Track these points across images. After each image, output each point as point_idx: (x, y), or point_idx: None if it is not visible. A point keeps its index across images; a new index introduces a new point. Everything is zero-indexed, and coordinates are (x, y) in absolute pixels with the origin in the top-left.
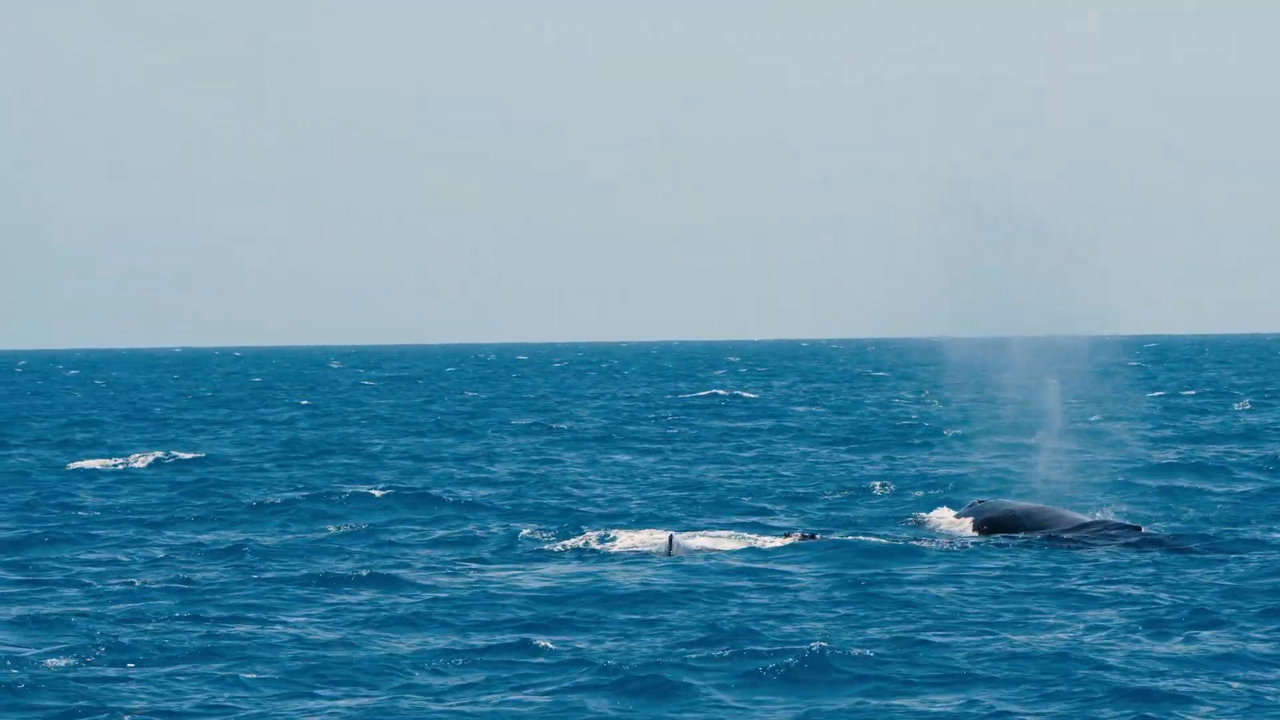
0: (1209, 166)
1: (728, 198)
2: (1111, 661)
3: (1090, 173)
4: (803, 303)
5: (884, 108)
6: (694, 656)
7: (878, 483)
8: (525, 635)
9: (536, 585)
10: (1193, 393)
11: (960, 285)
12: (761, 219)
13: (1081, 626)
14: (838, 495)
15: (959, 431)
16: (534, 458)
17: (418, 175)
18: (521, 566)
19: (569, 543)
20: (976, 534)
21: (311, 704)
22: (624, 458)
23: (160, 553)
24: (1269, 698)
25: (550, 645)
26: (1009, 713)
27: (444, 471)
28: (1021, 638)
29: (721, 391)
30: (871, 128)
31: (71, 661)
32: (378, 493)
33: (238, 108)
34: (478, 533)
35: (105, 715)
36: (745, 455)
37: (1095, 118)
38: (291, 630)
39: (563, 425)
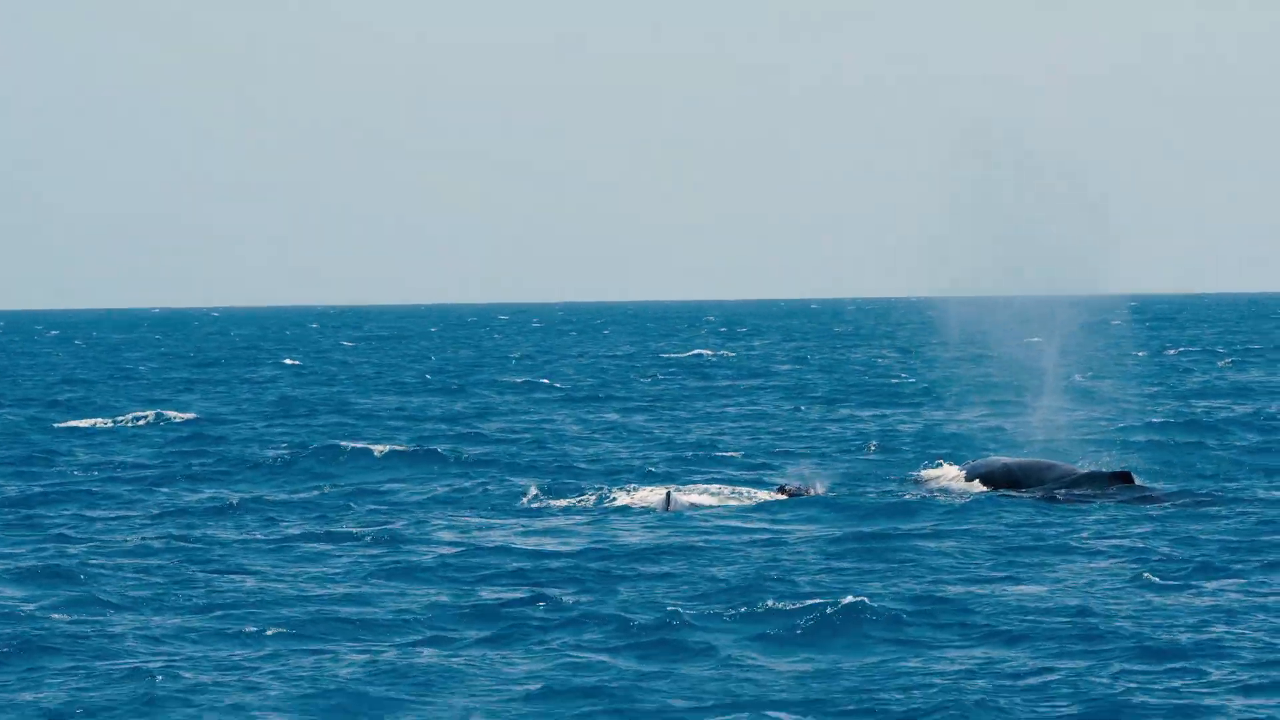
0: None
1: (720, 183)
2: (1124, 615)
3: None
4: (782, 262)
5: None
6: (705, 613)
7: (870, 441)
8: (532, 591)
9: (539, 542)
10: (1175, 351)
11: (959, 241)
12: (748, 185)
13: (1090, 580)
14: (831, 453)
15: (950, 390)
16: (525, 416)
17: (396, 133)
18: (523, 523)
19: (567, 500)
20: (975, 490)
21: (323, 658)
22: (614, 416)
23: (161, 510)
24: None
25: (559, 601)
26: (1030, 669)
27: (437, 430)
28: (1032, 591)
29: (707, 351)
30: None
31: (78, 616)
32: (377, 450)
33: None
34: (477, 490)
35: (113, 669)
36: (734, 413)
37: (1095, 118)
38: (298, 585)
39: (552, 384)
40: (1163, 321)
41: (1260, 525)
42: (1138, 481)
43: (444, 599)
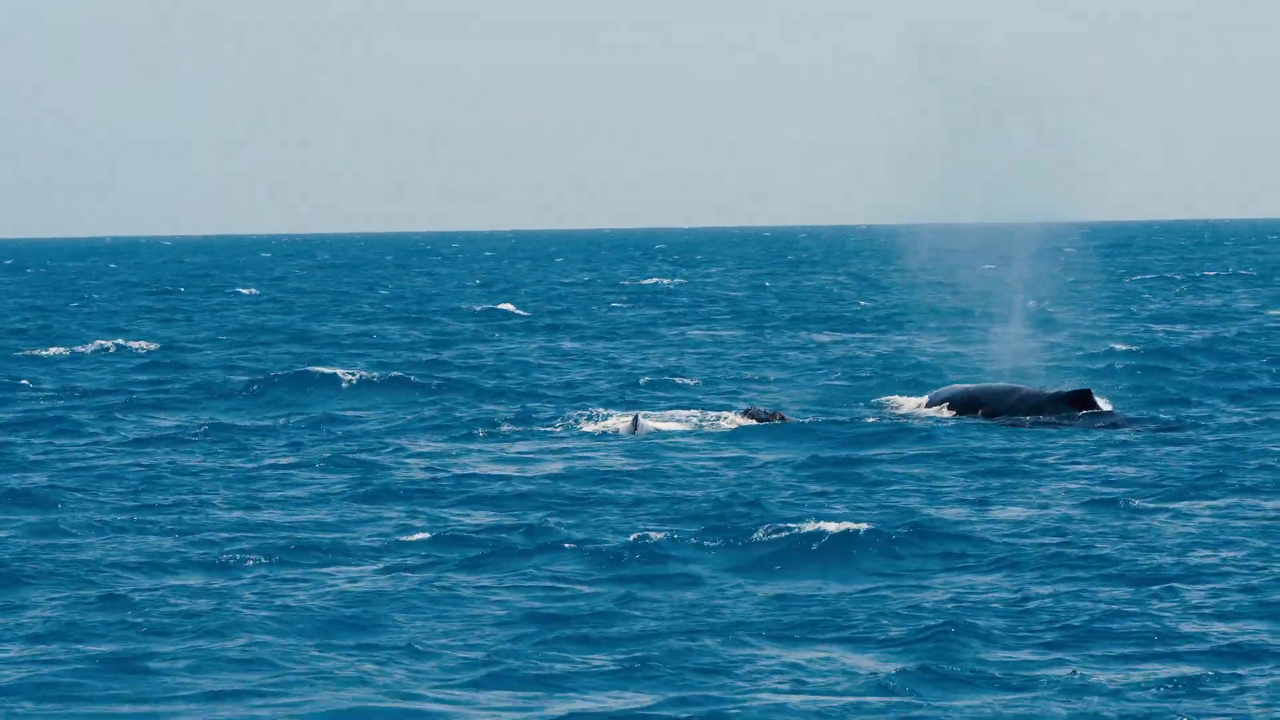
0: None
1: (669, 110)
2: (1101, 539)
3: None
4: (733, 190)
5: None
6: (681, 538)
7: (834, 367)
8: (507, 517)
9: (510, 468)
10: (1133, 279)
11: (917, 168)
12: (697, 111)
13: (1064, 505)
14: (795, 379)
15: (911, 317)
16: (488, 343)
17: (342, 64)
18: (493, 449)
19: (536, 426)
20: (940, 415)
21: (300, 584)
22: (576, 343)
23: (130, 439)
24: (1260, 568)
25: (534, 526)
26: (1012, 594)
27: (401, 357)
28: (1008, 515)
29: (664, 280)
30: None
31: (51, 542)
32: (343, 377)
33: None
34: (445, 417)
35: (87, 597)
36: (696, 339)
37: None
38: (271, 512)
39: (513, 311)
40: (1117, 249)
41: (1227, 450)
42: (1097, 400)
43: (418, 525)
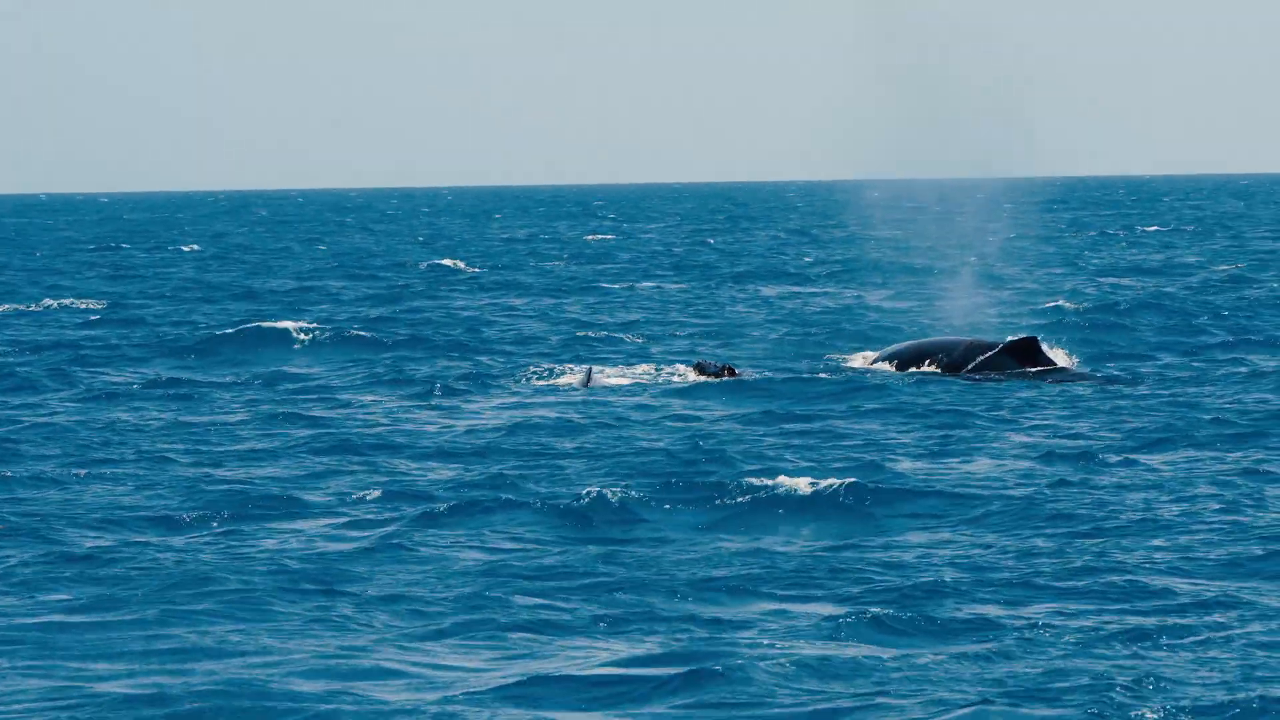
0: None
1: (603, 64)
2: (1066, 489)
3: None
4: (671, 145)
5: None
6: (641, 493)
7: (782, 323)
8: (466, 472)
9: (466, 423)
10: (1079, 234)
11: (863, 123)
12: (634, 66)
13: (1025, 457)
14: (745, 333)
15: (858, 272)
16: (435, 299)
17: (268, 18)
18: (449, 403)
19: (489, 380)
20: (893, 371)
21: (261, 539)
22: (523, 299)
23: (83, 394)
24: (1220, 522)
25: (495, 480)
26: (983, 548)
27: (349, 314)
28: (969, 468)
29: (606, 236)
30: None
31: (14, 496)
32: (295, 333)
33: None
34: (398, 373)
35: (48, 552)
36: (644, 294)
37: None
38: (229, 468)
39: (458, 267)
40: (1058, 204)
41: (1177, 404)
42: (1050, 353)
43: (378, 481)
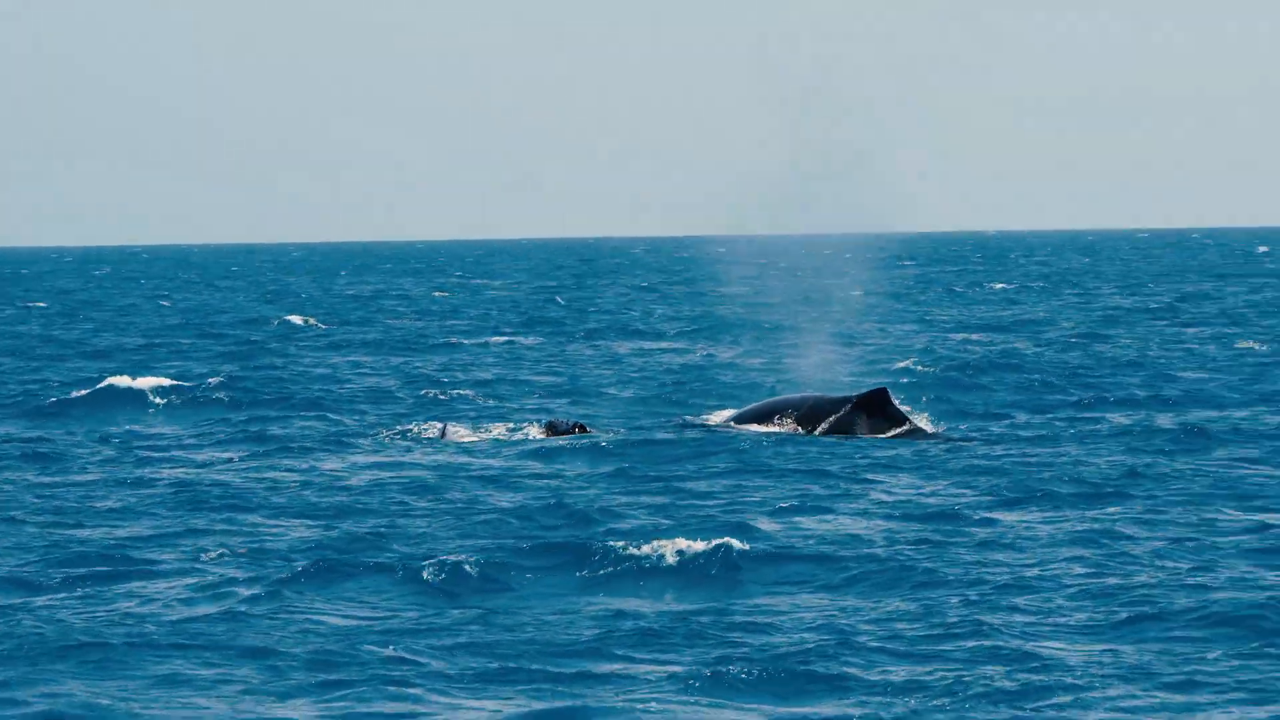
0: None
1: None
2: (924, 546)
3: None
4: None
5: None
6: (502, 553)
7: (636, 381)
8: (329, 532)
9: (326, 481)
10: (932, 291)
11: (733, 180)
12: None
13: (889, 516)
14: (599, 392)
15: (715, 330)
16: (287, 355)
17: (61, 73)
18: (307, 462)
19: (345, 439)
20: (751, 429)
21: (121, 597)
22: (372, 357)
23: None
24: (1080, 578)
25: (358, 540)
26: (842, 609)
27: (206, 371)
28: (832, 528)
29: (452, 294)
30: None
31: None
32: (147, 391)
33: None
34: (255, 432)
35: None
36: (494, 351)
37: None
38: (91, 528)
39: (307, 323)
40: (905, 260)
41: (1033, 465)
42: (905, 410)
43: (236, 540)
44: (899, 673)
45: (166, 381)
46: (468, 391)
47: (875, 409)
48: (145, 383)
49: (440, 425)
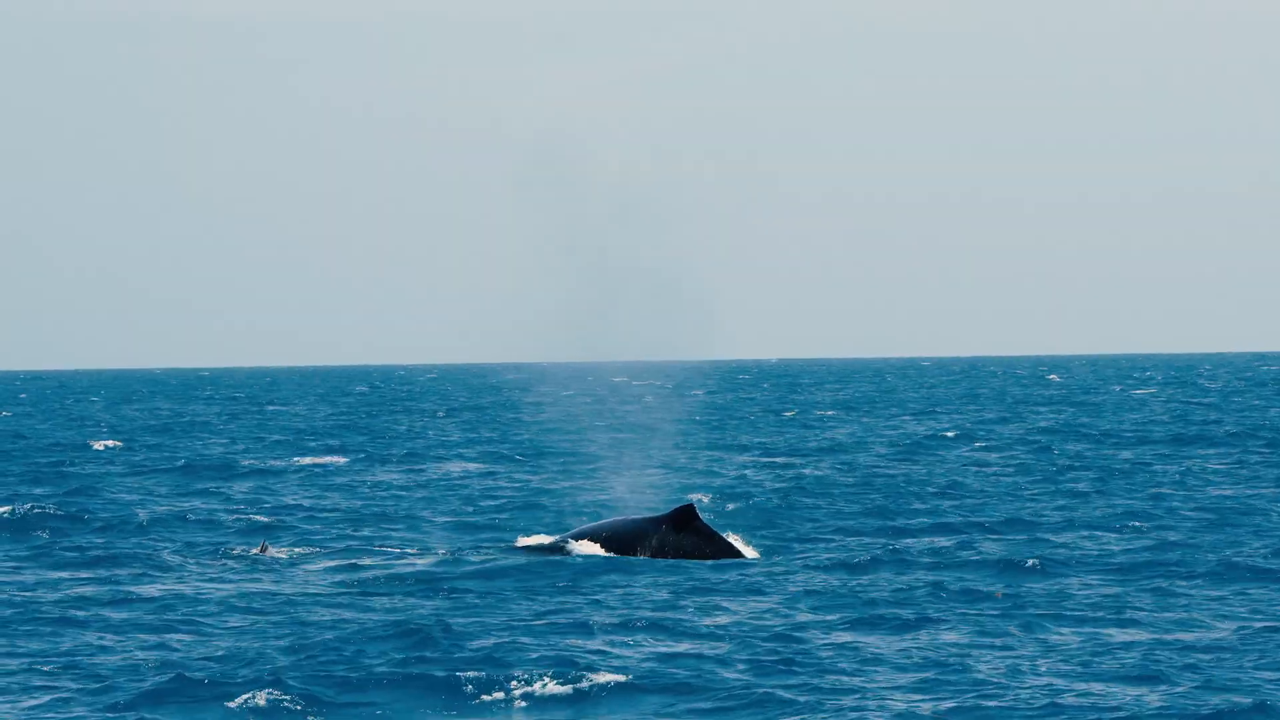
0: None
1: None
2: (768, 668)
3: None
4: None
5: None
6: (350, 671)
7: (441, 502)
8: (189, 643)
9: (165, 594)
10: (740, 416)
11: (522, 306)
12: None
13: (723, 633)
14: (413, 513)
15: (521, 455)
16: (101, 482)
17: None
18: (123, 590)
19: (179, 557)
20: (582, 551)
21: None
22: (185, 479)
23: None
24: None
25: (200, 653)
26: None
27: (13, 492)
28: (675, 650)
29: (226, 421)
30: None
31: None
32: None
33: None
34: (68, 556)
35: None
36: (308, 473)
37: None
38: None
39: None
40: (696, 390)
41: (844, 588)
42: (700, 517)
43: (79, 659)
44: None
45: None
46: (283, 515)
47: (681, 521)
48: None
49: (262, 542)
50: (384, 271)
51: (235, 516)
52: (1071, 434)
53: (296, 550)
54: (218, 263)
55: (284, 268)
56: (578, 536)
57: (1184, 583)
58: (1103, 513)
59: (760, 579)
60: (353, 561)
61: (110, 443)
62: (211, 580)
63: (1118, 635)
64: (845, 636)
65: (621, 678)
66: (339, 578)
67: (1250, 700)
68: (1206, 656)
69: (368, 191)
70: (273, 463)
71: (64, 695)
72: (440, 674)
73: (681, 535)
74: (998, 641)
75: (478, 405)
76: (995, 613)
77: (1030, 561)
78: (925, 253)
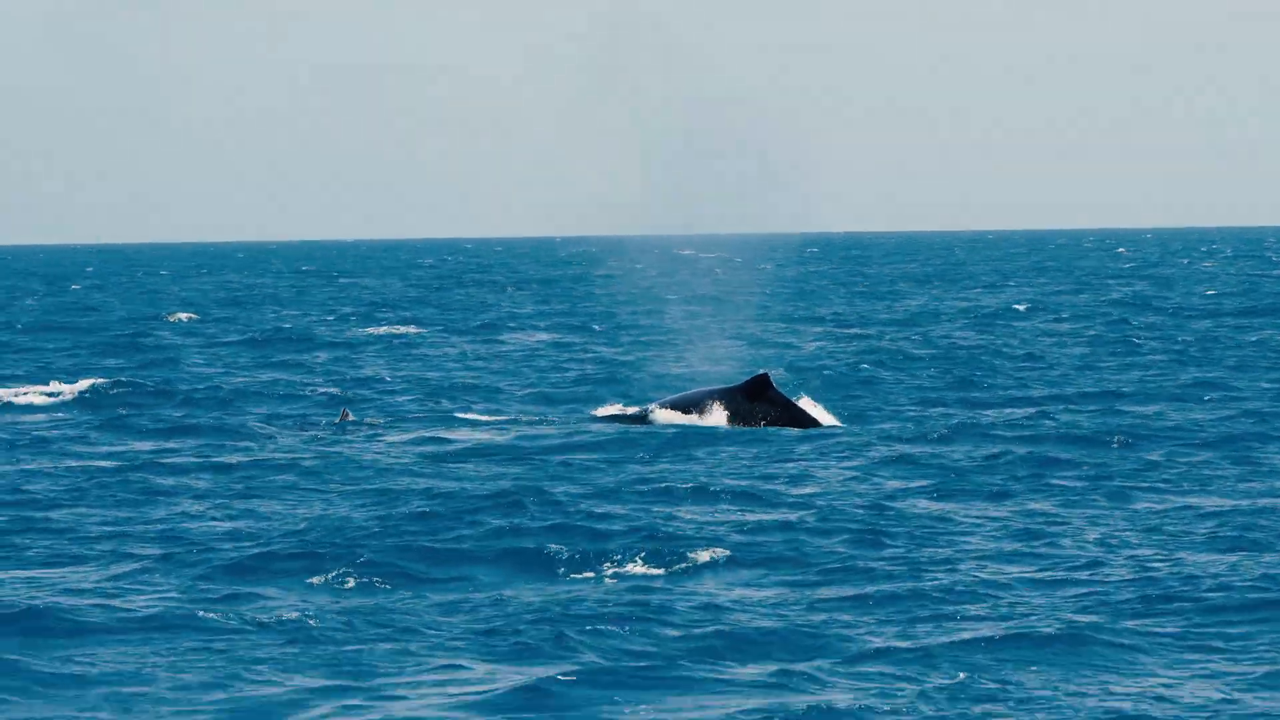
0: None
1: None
2: (845, 535)
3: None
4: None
5: None
6: (466, 537)
7: (516, 375)
8: (216, 506)
9: (246, 463)
10: (810, 286)
11: (608, 178)
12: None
13: (810, 503)
14: (506, 388)
15: (610, 331)
16: (174, 350)
17: None
18: (235, 452)
19: (260, 425)
20: (662, 420)
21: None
22: (284, 354)
23: None
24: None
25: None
26: (746, 600)
27: (71, 366)
28: (757, 518)
29: (338, 291)
30: None
31: None
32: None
33: None
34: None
35: None
36: (391, 344)
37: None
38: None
39: (191, 319)
40: (779, 254)
41: (934, 447)
42: (775, 386)
43: (161, 529)
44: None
45: (60, 386)
46: (370, 383)
47: (756, 392)
48: (35, 389)
49: (343, 409)
50: (449, 144)
51: (315, 389)
52: (1145, 307)
53: (379, 420)
54: (288, 135)
55: (346, 140)
56: (656, 407)
57: (1272, 451)
58: (1181, 384)
59: (844, 449)
60: (435, 433)
61: (184, 315)
62: (295, 451)
63: (1207, 504)
64: (933, 506)
65: (712, 549)
66: (422, 449)
67: None
68: None
69: (436, 58)
70: (349, 334)
71: (148, 565)
72: (530, 545)
73: (757, 404)
74: (1086, 513)
75: (548, 278)
76: (1082, 483)
77: (1114, 434)
78: (991, 125)
